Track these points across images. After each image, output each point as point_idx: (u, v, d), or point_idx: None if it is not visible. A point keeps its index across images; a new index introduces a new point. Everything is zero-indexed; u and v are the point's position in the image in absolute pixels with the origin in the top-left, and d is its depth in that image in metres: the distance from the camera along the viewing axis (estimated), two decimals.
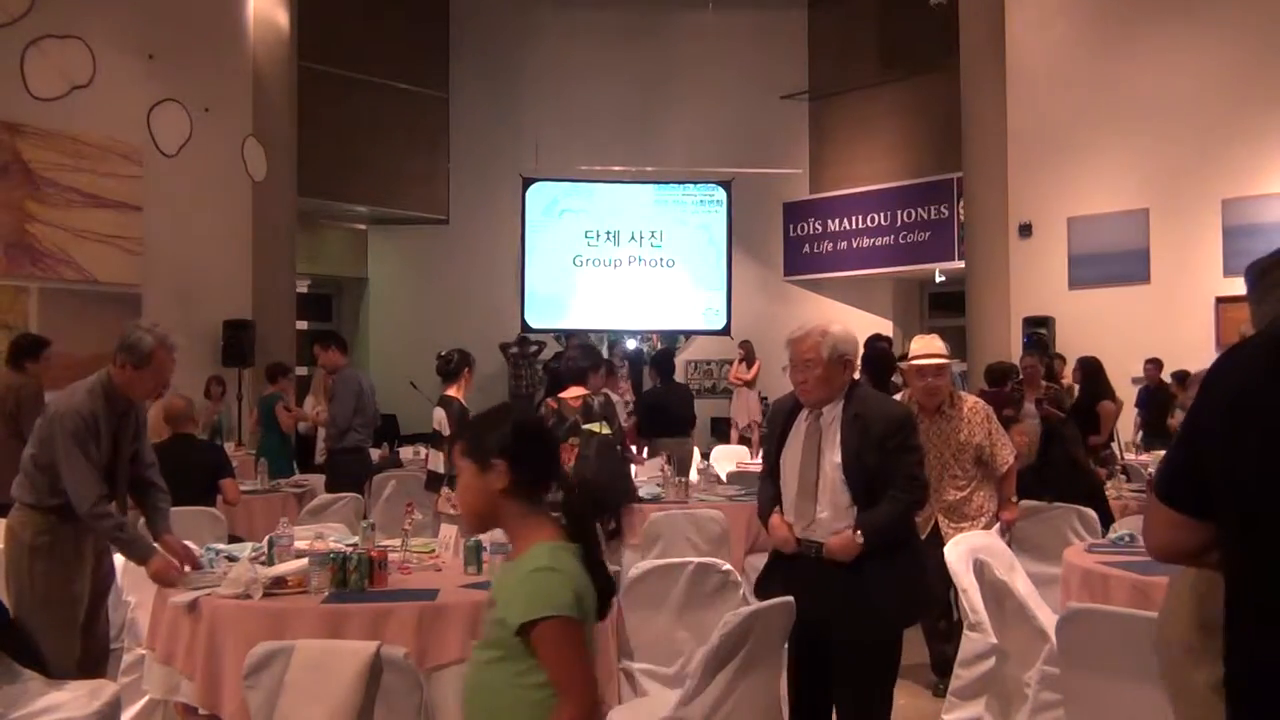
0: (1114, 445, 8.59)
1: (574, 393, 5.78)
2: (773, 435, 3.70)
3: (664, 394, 9.09)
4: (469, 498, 2.14)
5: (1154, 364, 9.75)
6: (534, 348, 13.98)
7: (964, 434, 4.89)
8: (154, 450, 4.22)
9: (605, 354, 13.53)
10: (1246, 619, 1.66)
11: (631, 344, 14.64)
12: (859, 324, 13.38)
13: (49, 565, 3.78)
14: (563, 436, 5.67)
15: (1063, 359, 9.66)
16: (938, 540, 4.75)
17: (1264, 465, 1.61)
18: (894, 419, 3.50)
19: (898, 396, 5.09)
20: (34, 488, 3.80)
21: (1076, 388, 8.99)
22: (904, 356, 5.60)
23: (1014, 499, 5.14)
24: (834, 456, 3.44)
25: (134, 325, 3.96)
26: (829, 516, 3.44)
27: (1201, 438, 1.74)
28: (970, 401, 5.03)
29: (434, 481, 6.10)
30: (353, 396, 7.23)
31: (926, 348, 5.00)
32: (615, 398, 6.52)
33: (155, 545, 3.90)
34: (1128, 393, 9.83)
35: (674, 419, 8.85)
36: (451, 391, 6.16)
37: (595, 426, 5.82)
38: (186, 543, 4.07)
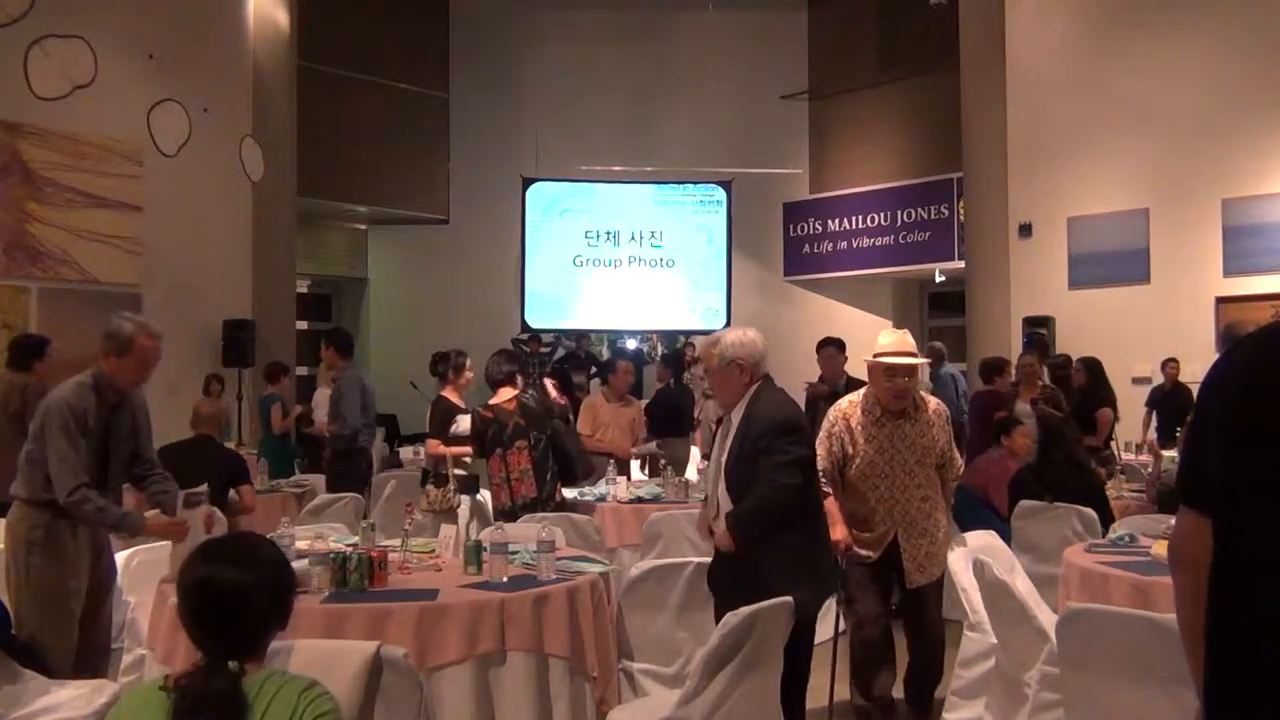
0: (1113, 445, 8.55)
1: (505, 395, 5.72)
2: (721, 436, 3.94)
3: (677, 394, 9.13)
4: None
5: (1173, 364, 9.62)
6: (546, 349, 13.88)
7: (930, 437, 4.50)
8: (174, 449, 4.28)
9: (606, 354, 13.58)
10: (1222, 617, 1.65)
11: (631, 344, 14.64)
12: (859, 324, 13.46)
13: (44, 560, 3.81)
14: (506, 442, 5.61)
15: (1069, 361, 9.57)
16: (896, 556, 4.44)
17: (1251, 459, 1.61)
18: (771, 422, 3.59)
19: (855, 395, 4.66)
20: (29, 483, 3.83)
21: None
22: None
23: (950, 501, 4.89)
24: (724, 454, 3.73)
25: (115, 315, 4.00)
26: (720, 511, 3.69)
27: (1201, 434, 1.74)
28: (934, 404, 4.63)
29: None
30: (359, 396, 7.22)
31: (898, 345, 4.44)
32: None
33: (143, 516, 3.99)
34: (1127, 393, 9.79)
35: (684, 419, 8.91)
36: (445, 392, 6.20)
37: (558, 424, 5.89)
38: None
